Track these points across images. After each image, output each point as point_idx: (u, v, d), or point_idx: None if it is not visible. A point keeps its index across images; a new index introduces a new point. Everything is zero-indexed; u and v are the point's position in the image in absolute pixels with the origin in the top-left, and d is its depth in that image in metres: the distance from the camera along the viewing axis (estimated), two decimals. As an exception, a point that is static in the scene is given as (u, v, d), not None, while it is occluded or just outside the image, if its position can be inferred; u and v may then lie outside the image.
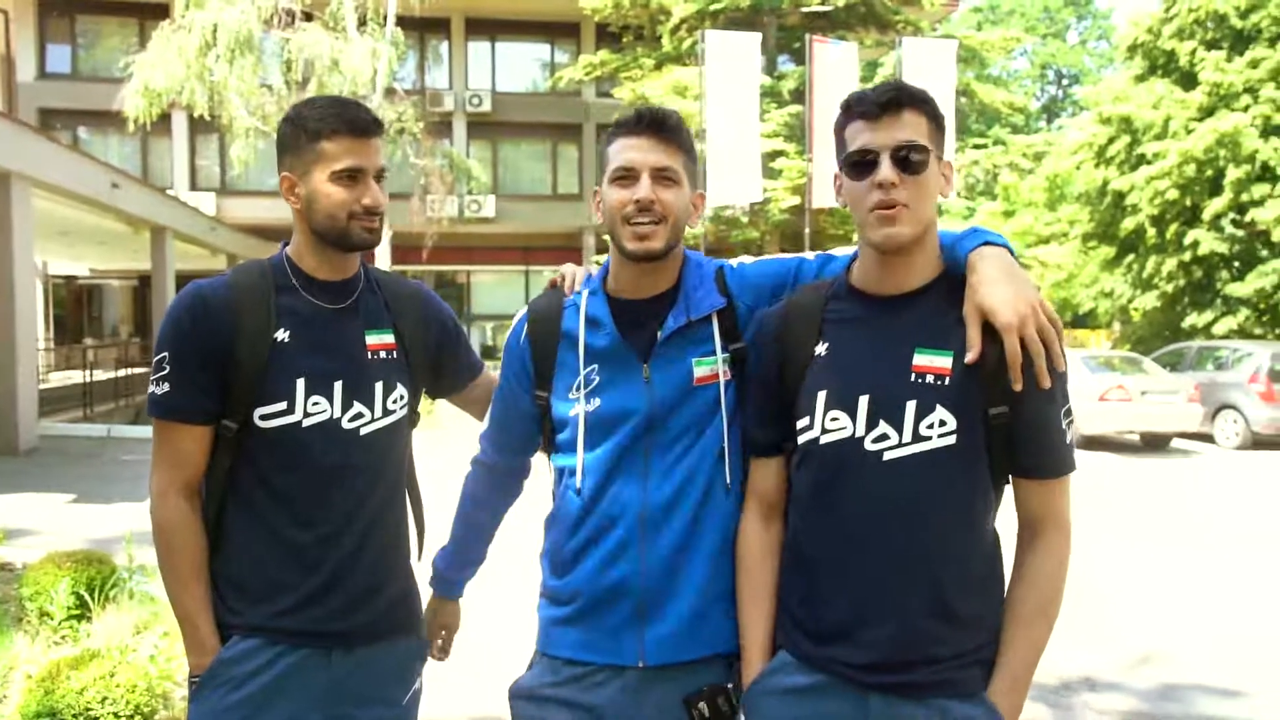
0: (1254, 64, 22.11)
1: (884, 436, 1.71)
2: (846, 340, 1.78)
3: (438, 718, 4.17)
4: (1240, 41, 22.72)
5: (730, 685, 1.91)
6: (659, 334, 1.93)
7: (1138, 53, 24.51)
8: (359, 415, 2.01)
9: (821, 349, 1.80)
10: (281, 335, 1.96)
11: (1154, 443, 14.89)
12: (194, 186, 25.61)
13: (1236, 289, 22.25)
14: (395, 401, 2.07)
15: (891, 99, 1.72)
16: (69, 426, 15.57)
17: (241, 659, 1.94)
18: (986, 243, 1.78)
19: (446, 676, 4.15)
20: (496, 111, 26.40)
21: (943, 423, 1.69)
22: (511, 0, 25.77)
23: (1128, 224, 23.55)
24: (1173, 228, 22.87)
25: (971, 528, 1.74)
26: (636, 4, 21.64)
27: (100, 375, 19.59)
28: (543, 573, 2.07)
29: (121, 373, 20.84)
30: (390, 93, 20.58)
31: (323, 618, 1.96)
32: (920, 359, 1.71)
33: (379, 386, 2.04)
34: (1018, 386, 1.67)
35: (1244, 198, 21.69)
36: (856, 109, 1.75)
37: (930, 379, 1.70)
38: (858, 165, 1.73)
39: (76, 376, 20.22)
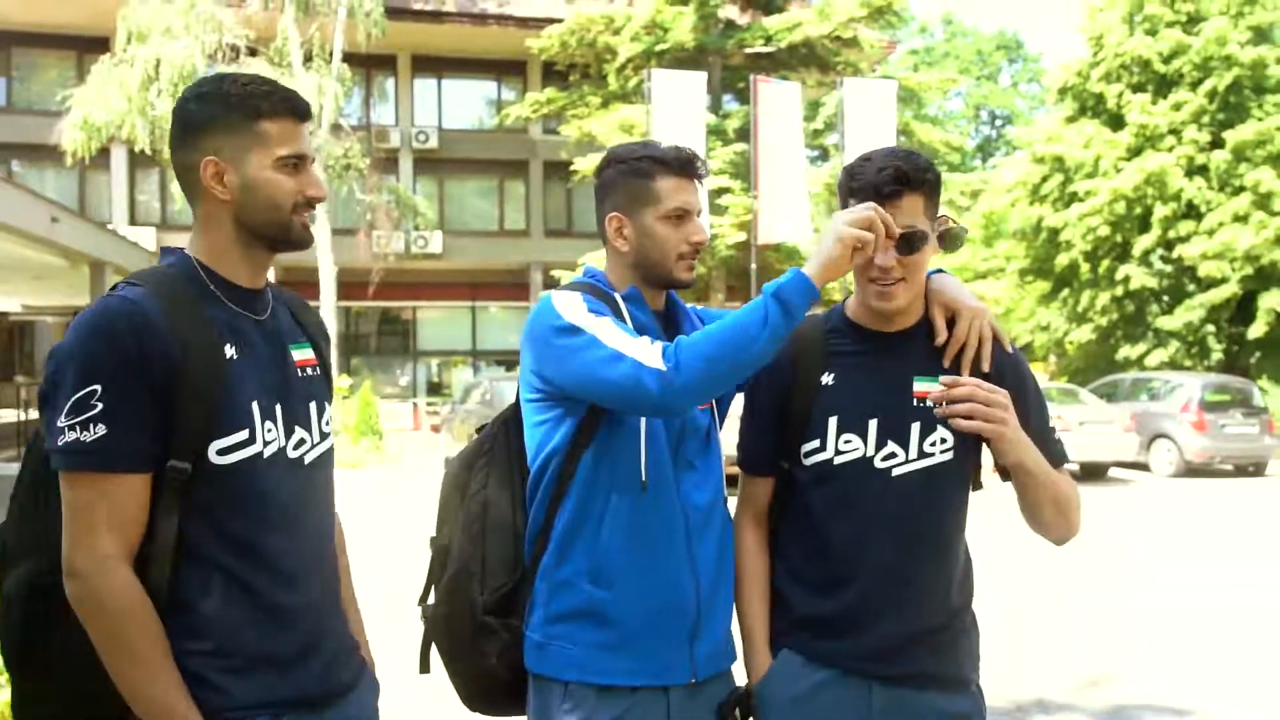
0: (1177, 107, 23.05)
1: (892, 455, 1.93)
2: (851, 370, 1.98)
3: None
4: (1164, 85, 23.67)
5: (746, 687, 2.02)
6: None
7: (1068, 95, 25.39)
8: (301, 442, 1.75)
9: (828, 378, 1.98)
10: (230, 352, 1.66)
11: (1092, 471, 15.23)
12: (133, 221, 25.08)
13: (1166, 322, 23.01)
14: (328, 424, 1.84)
15: (892, 190, 1.79)
16: (3, 466, 15.12)
17: None
18: (940, 271, 2.07)
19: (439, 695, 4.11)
20: (443, 148, 26.36)
21: (944, 440, 1.92)
22: (458, 38, 25.83)
23: (1062, 259, 24.30)
24: (1105, 263, 23.64)
25: (960, 530, 2.01)
26: (583, 44, 21.80)
27: (35, 414, 19.02)
28: (575, 589, 1.91)
29: (56, 411, 20.19)
30: (336, 129, 20.49)
31: (318, 676, 1.73)
32: (919, 385, 1.93)
33: (312, 407, 1.80)
34: (946, 362, 1.93)
35: (1171, 234, 22.56)
36: (858, 191, 1.82)
37: (929, 403, 1.87)
38: None
39: (9, 415, 19.65)
